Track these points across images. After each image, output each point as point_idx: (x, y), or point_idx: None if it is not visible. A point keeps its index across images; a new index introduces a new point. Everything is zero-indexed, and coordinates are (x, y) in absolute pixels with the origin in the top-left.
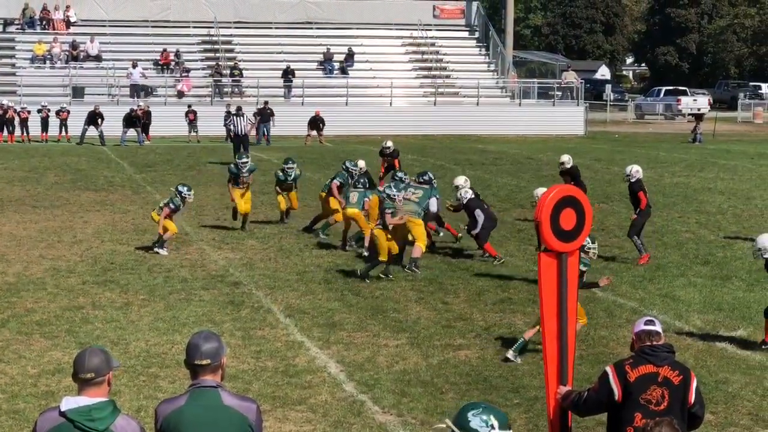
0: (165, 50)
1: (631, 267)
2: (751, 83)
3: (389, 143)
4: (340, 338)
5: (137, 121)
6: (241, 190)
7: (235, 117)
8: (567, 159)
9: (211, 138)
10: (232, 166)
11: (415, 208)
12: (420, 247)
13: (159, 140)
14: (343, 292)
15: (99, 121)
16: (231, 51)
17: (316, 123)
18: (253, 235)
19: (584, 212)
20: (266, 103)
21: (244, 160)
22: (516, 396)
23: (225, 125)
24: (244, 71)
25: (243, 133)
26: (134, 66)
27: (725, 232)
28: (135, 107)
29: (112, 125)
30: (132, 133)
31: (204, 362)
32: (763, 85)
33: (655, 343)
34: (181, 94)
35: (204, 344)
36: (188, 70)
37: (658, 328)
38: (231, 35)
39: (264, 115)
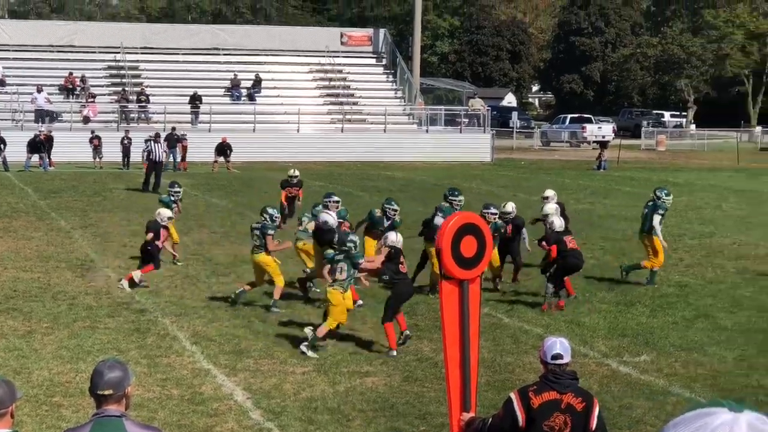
0: (71, 74)
1: (539, 293)
2: (654, 111)
3: (296, 172)
4: (246, 365)
5: (42, 146)
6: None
7: (153, 143)
8: (552, 194)
9: (115, 164)
10: (165, 195)
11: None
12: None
13: (64, 166)
14: (249, 319)
15: (1, 146)
16: (138, 76)
17: (223, 150)
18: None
19: (485, 240)
20: (173, 129)
21: (177, 189)
22: (423, 423)
23: (143, 151)
24: (150, 97)
25: (159, 159)
26: (39, 91)
27: (630, 258)
28: (39, 132)
29: (16, 150)
30: (36, 158)
31: (107, 392)
32: (666, 113)
33: (559, 369)
34: (86, 120)
35: (108, 373)
36: (94, 96)
37: (564, 353)
38: (138, 60)
39: (171, 141)
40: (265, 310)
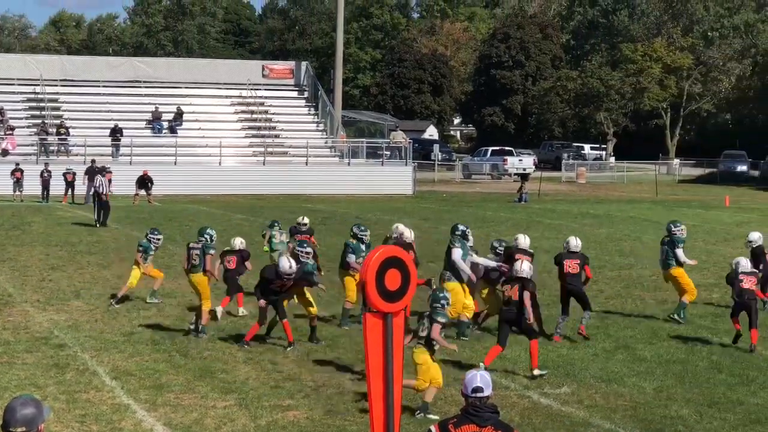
0: None
1: (459, 326)
2: (575, 144)
3: (305, 219)
4: (167, 400)
5: None
6: (146, 266)
7: (99, 176)
8: (757, 237)
9: (34, 197)
10: (144, 240)
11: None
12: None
13: None
14: (170, 353)
15: None
16: (57, 109)
17: (144, 182)
18: (79, 296)
19: (409, 273)
20: (93, 161)
21: (158, 236)
22: None
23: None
24: (70, 129)
25: (105, 192)
26: None
27: (550, 290)
28: None
29: None
30: None
31: (19, 429)
32: (586, 146)
33: (479, 402)
34: (5, 152)
35: (21, 410)
36: (13, 128)
37: (484, 386)
38: (57, 93)
39: (91, 174)
40: (187, 337)
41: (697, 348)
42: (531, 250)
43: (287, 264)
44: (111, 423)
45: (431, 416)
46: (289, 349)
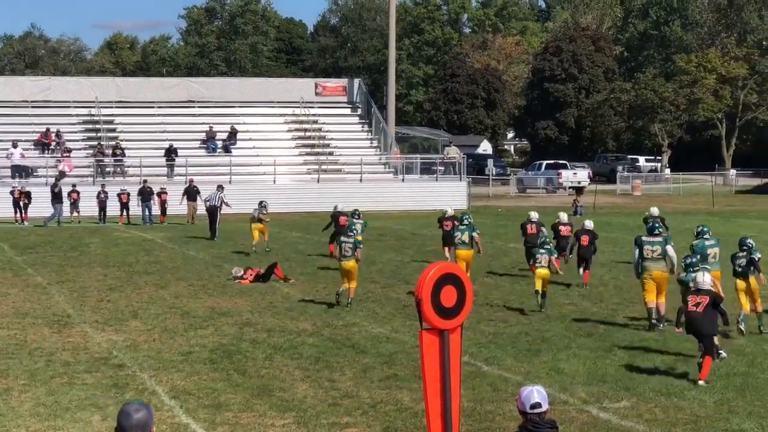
0: (48, 129)
1: (517, 340)
2: (629, 156)
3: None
4: (225, 419)
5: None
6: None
7: (213, 192)
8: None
9: (92, 218)
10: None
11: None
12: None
13: (40, 221)
14: (228, 372)
15: None
16: (113, 130)
17: (192, 193)
18: (137, 317)
19: (465, 289)
20: (145, 181)
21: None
22: None
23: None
24: (126, 150)
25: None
26: (14, 146)
27: (608, 303)
28: (13, 188)
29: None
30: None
31: None
32: (641, 158)
33: (538, 418)
34: (62, 175)
35: (135, 414)
36: (69, 150)
37: (542, 401)
38: (113, 114)
39: (144, 194)
40: (246, 361)
41: (758, 360)
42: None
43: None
44: None
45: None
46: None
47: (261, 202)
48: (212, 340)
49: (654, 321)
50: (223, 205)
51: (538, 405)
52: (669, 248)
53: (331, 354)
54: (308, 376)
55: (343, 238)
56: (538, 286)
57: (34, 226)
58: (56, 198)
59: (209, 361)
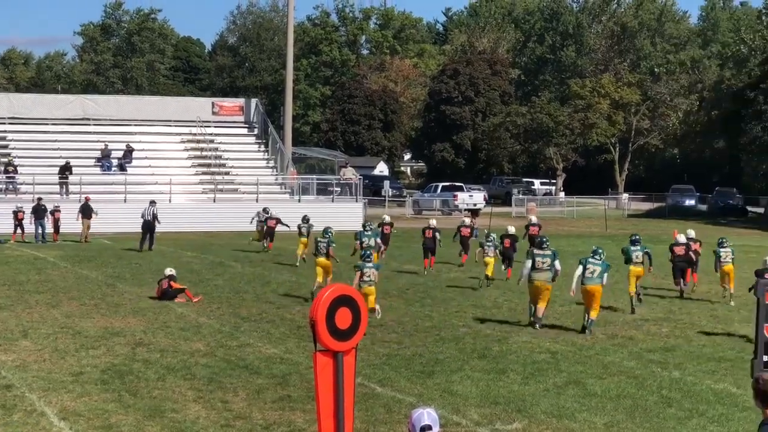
0: None
1: (411, 361)
2: (524, 179)
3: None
4: None
5: None
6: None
7: (148, 207)
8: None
9: None
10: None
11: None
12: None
13: None
14: (120, 393)
15: None
16: (5, 147)
17: (87, 210)
18: (27, 336)
19: (360, 311)
20: (39, 199)
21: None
22: None
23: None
24: (19, 167)
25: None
26: None
27: (502, 326)
28: None
29: None
30: None
31: None
32: (536, 181)
33: None
34: None
35: None
36: None
37: (432, 423)
38: (5, 131)
39: (38, 212)
40: (137, 381)
41: (647, 383)
42: None
43: None
44: None
45: None
46: None
47: (265, 209)
48: (104, 360)
49: (533, 320)
50: (155, 221)
51: (428, 427)
52: (556, 262)
53: (225, 375)
54: (201, 397)
55: (318, 239)
56: (489, 272)
57: None
58: None
59: (100, 382)
